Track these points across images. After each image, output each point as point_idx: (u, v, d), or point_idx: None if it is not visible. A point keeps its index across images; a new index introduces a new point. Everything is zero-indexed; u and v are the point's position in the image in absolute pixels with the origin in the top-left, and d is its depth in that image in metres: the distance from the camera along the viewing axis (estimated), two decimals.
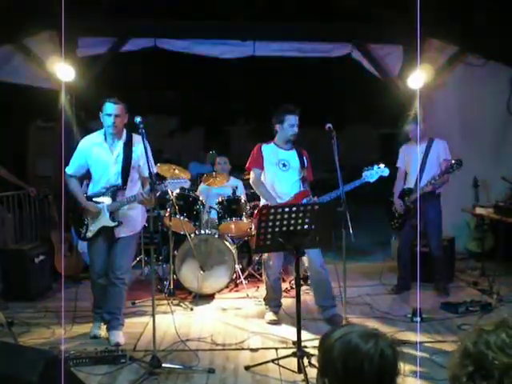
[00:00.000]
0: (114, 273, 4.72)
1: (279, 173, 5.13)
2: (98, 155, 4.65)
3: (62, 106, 7.20)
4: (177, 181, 4.58)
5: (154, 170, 4.63)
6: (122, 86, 12.60)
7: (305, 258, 5.01)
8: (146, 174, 4.49)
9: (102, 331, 4.83)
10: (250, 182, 5.34)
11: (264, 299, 5.48)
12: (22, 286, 5.94)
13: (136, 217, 4.81)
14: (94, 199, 4.68)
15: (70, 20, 5.81)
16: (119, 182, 4.64)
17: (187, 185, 4.68)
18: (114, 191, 4.63)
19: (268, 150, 5.21)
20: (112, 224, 4.63)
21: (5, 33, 7.07)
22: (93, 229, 4.68)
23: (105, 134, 4.67)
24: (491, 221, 7.24)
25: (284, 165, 5.12)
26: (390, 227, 6.33)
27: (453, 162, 5.59)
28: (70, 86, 7.18)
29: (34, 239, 7.55)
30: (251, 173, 5.28)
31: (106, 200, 4.64)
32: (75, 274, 6.72)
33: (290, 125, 5.06)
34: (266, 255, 5.28)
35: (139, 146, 4.54)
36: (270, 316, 5.26)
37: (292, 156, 5.17)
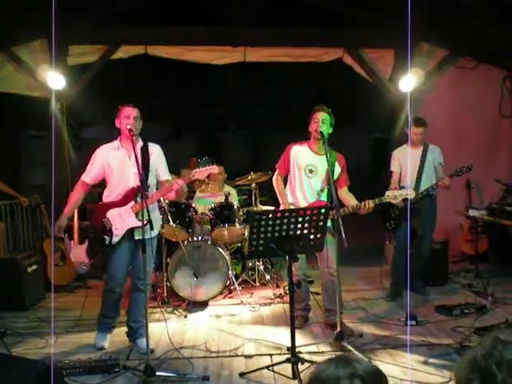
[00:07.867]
0: (141, 279, 4.59)
1: (304, 178, 4.99)
2: (115, 159, 4.63)
3: (53, 114, 7.18)
4: (204, 168, 4.60)
5: (169, 176, 4.82)
6: (113, 94, 12.59)
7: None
8: (163, 178, 4.77)
9: (108, 342, 4.78)
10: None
11: None
12: (15, 295, 5.88)
13: (157, 218, 4.83)
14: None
15: (60, 28, 5.80)
16: (138, 183, 4.51)
17: (215, 170, 4.74)
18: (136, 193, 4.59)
19: (299, 152, 5.05)
20: (139, 224, 4.52)
21: None
22: (119, 233, 4.59)
23: (120, 141, 4.67)
24: (484, 223, 7.26)
25: (311, 171, 4.96)
26: (383, 228, 6.28)
27: (464, 166, 5.71)
28: (60, 95, 7.17)
29: (26, 248, 7.51)
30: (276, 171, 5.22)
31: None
32: (68, 283, 6.70)
33: (314, 121, 4.92)
34: None
35: (155, 151, 4.73)
36: None
37: (322, 161, 4.90)
